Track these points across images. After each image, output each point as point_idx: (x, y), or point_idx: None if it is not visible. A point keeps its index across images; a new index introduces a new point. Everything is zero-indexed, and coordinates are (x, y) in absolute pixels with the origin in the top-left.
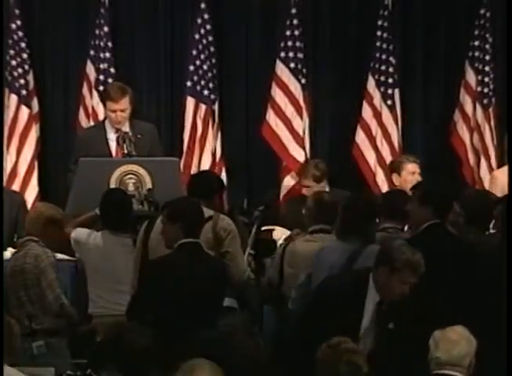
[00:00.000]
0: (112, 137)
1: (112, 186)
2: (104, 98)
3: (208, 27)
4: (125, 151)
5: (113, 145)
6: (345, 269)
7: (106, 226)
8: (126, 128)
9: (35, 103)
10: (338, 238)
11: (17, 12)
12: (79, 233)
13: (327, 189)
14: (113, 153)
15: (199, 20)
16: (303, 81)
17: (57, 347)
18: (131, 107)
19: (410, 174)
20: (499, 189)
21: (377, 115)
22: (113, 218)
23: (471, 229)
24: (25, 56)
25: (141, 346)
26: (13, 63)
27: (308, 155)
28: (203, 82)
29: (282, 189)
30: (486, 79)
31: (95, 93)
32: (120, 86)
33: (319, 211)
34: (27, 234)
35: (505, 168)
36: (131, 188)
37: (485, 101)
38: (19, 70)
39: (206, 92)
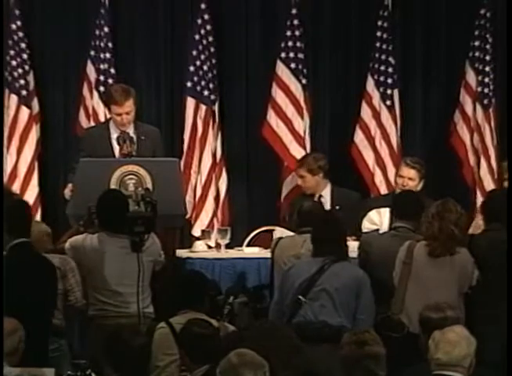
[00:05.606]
0: (116, 138)
1: (112, 186)
2: (108, 101)
3: (208, 27)
4: (125, 151)
5: (116, 146)
6: (309, 284)
7: (102, 228)
8: (130, 129)
9: (35, 103)
10: (312, 255)
11: (17, 12)
12: (73, 240)
13: (328, 186)
14: (117, 154)
15: (199, 21)
16: (303, 81)
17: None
18: (136, 108)
19: (399, 176)
20: None
21: (376, 115)
22: (110, 220)
23: (496, 226)
24: (25, 56)
25: (137, 345)
26: (13, 63)
27: None
28: (203, 83)
29: (283, 189)
30: (486, 79)
31: (95, 93)
32: (125, 88)
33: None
34: None
35: None
36: (131, 188)
37: (485, 101)
38: (20, 71)
39: (206, 93)
